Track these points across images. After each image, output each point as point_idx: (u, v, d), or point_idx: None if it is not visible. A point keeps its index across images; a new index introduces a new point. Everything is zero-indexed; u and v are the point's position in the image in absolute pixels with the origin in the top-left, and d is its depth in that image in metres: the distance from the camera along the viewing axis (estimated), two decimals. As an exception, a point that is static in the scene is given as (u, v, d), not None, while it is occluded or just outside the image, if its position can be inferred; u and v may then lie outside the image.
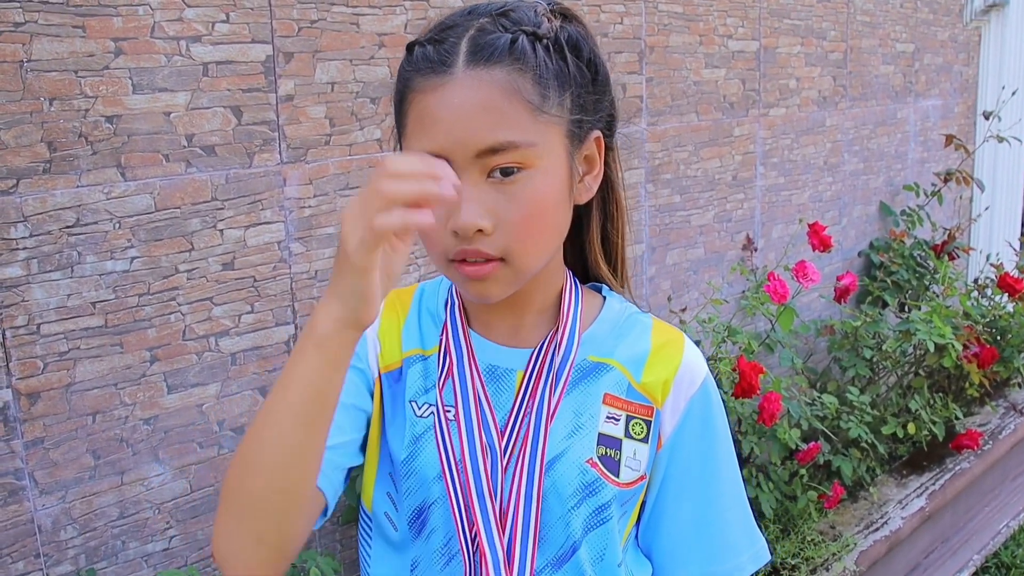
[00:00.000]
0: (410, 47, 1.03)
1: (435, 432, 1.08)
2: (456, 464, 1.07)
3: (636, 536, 1.19)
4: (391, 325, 1.16)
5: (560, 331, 1.12)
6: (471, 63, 0.97)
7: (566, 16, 1.05)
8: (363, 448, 1.15)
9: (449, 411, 1.09)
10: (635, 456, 1.11)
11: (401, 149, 1.05)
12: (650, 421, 1.12)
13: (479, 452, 1.07)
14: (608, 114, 1.10)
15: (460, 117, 0.96)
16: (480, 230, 0.97)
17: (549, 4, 1.05)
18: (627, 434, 1.11)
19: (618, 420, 1.11)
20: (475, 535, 1.06)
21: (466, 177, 0.97)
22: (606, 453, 1.10)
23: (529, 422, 1.08)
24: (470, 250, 0.99)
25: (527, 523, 1.06)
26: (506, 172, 0.97)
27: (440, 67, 0.97)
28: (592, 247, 1.17)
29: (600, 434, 1.10)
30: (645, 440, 1.12)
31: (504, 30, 0.99)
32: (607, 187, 1.14)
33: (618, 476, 1.10)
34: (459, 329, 1.13)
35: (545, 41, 0.99)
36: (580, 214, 1.14)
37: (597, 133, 1.07)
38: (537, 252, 1.03)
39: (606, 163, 1.11)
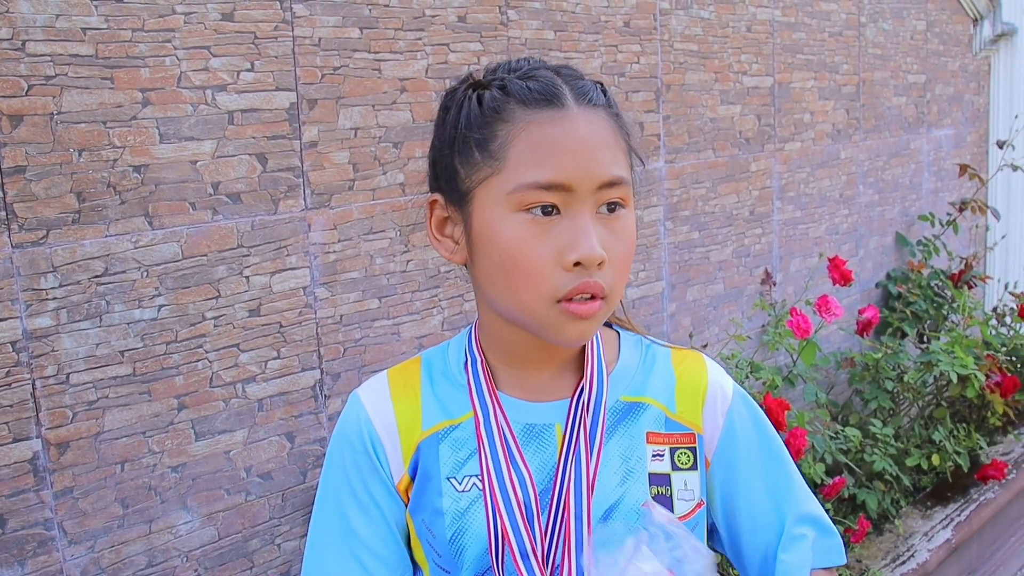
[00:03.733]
0: (485, 84, 1.04)
1: (486, 503, 1.06)
2: (504, 532, 1.05)
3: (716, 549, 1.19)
4: (407, 408, 1.12)
5: (591, 375, 1.11)
6: (580, 102, 1.00)
7: None
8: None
9: (481, 479, 1.08)
10: (687, 487, 1.11)
11: (468, 179, 1.03)
12: (694, 448, 1.13)
13: (518, 516, 1.05)
14: None
15: (586, 149, 0.98)
16: (601, 262, 0.97)
17: None
18: (674, 467, 1.11)
19: (663, 455, 1.11)
20: None
21: (584, 209, 0.98)
22: (659, 492, 1.10)
23: (574, 472, 1.07)
24: (592, 283, 0.98)
25: (580, 572, 1.05)
26: (612, 208, 1.00)
27: (554, 100, 0.99)
28: None
29: (650, 474, 1.10)
30: (694, 467, 1.12)
31: (583, 79, 1.04)
32: None
33: (672, 511, 1.10)
34: (484, 390, 1.10)
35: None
36: None
37: None
38: (623, 289, 1.05)
39: None
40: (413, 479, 1.10)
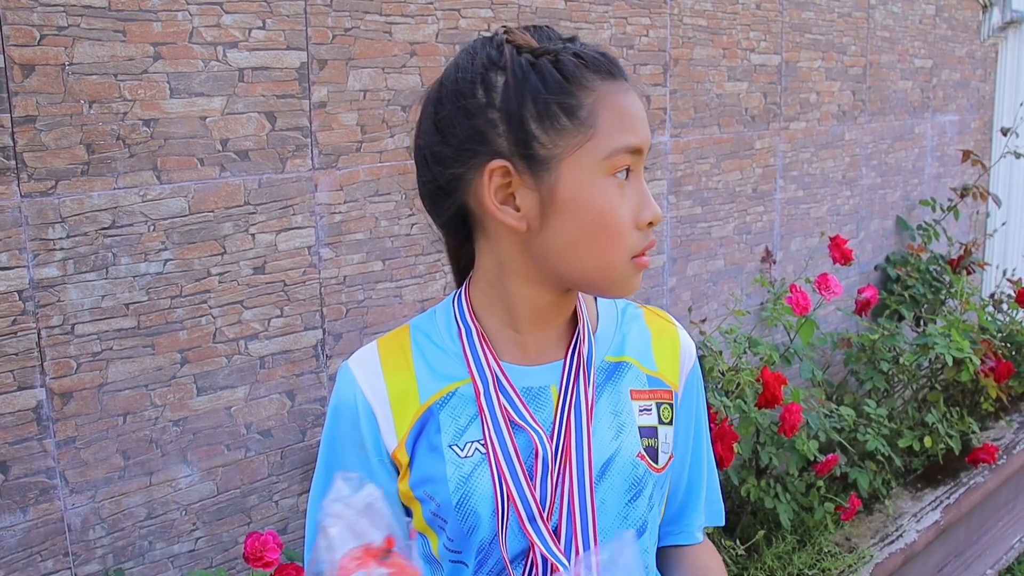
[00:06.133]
0: (551, 51, 1.03)
1: (491, 470, 1.07)
2: (511, 497, 1.07)
3: None
4: (400, 380, 1.12)
5: (581, 336, 1.14)
6: (627, 76, 1.07)
7: None
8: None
9: (484, 444, 1.09)
10: (666, 440, 1.16)
11: (552, 145, 1.02)
12: (672, 404, 1.19)
13: (523, 481, 1.07)
14: None
15: (644, 117, 1.06)
16: None
17: None
18: (660, 420, 1.16)
19: (650, 410, 1.16)
20: (543, 557, 1.06)
21: (642, 171, 1.06)
22: (649, 444, 1.14)
23: (571, 430, 1.09)
24: (654, 239, 1.08)
25: (585, 525, 1.07)
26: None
27: (616, 72, 1.05)
28: None
29: (640, 427, 1.14)
30: (671, 423, 1.18)
31: None
32: None
33: (657, 462, 1.14)
34: (481, 357, 1.11)
35: None
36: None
37: None
38: None
39: None
40: (411, 452, 1.10)
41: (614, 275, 1.06)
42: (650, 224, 1.05)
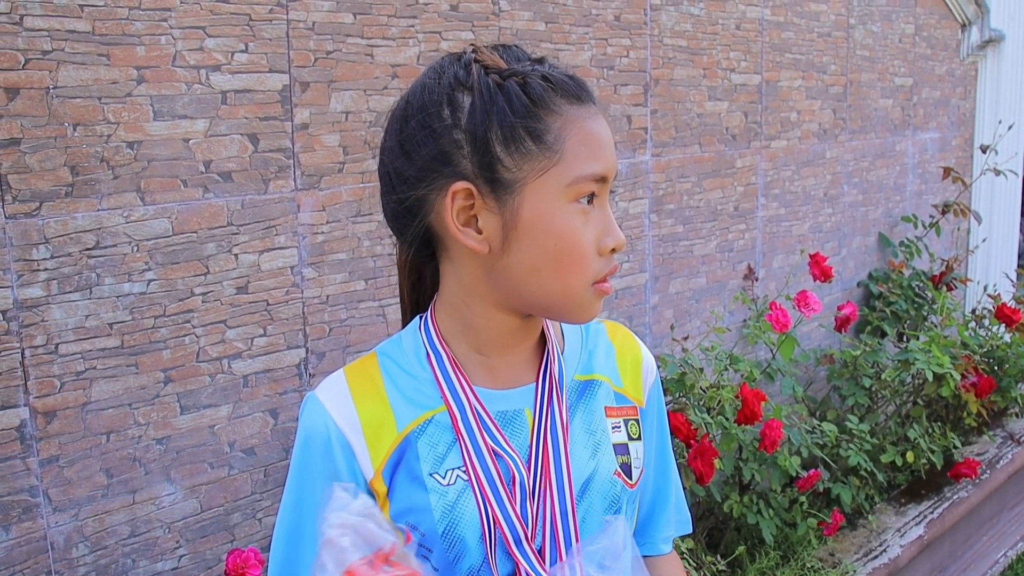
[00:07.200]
0: (518, 72, 1.02)
1: (476, 496, 1.06)
2: (497, 522, 1.06)
3: None
4: (374, 409, 1.09)
5: (551, 357, 1.14)
6: (595, 100, 1.06)
7: None
8: None
9: (465, 471, 1.07)
10: (637, 455, 1.17)
11: (517, 168, 1.01)
12: (638, 420, 1.19)
13: (508, 505, 1.06)
14: None
15: (612, 143, 1.05)
16: None
17: None
18: (629, 437, 1.17)
19: (620, 427, 1.17)
20: None
21: (607, 198, 1.06)
22: (623, 461, 1.14)
23: (549, 452, 1.09)
24: (616, 265, 1.08)
25: (569, 546, 1.07)
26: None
27: (584, 96, 1.04)
28: None
29: (614, 445, 1.15)
30: (639, 438, 1.18)
31: None
32: None
33: (631, 479, 1.15)
34: (454, 382, 1.09)
35: None
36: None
37: None
38: None
39: None
40: (389, 482, 1.08)
41: (575, 300, 1.05)
42: (613, 251, 1.05)
